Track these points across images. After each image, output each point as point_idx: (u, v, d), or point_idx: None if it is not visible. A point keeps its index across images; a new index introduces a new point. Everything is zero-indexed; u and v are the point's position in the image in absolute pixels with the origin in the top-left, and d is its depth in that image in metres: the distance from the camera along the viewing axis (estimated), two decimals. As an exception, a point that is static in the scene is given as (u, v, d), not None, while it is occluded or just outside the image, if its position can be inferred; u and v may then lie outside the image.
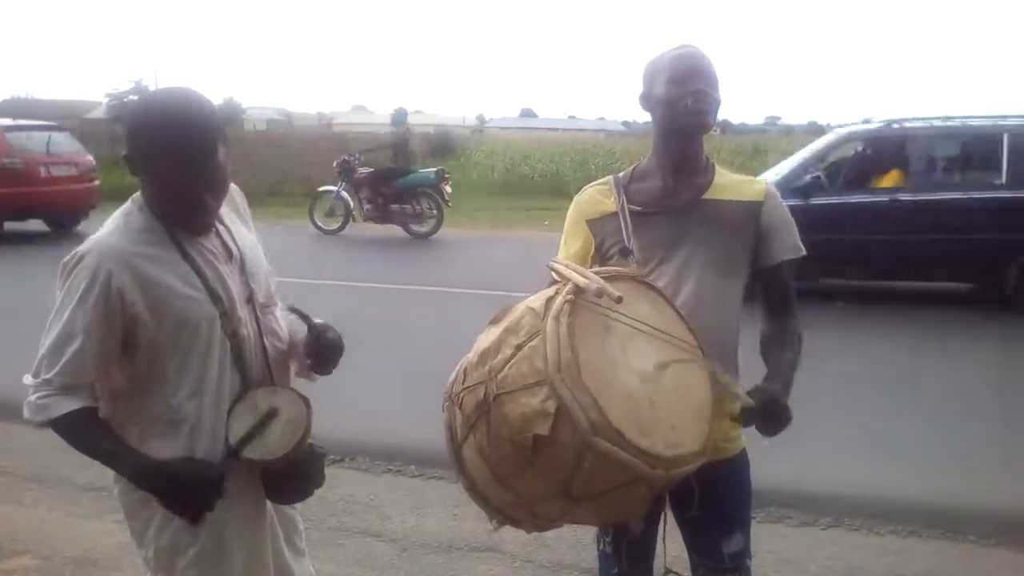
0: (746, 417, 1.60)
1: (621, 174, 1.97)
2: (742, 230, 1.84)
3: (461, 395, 1.55)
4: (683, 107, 1.78)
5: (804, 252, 1.88)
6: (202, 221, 1.64)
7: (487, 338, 1.58)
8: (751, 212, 1.85)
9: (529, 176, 21.66)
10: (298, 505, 1.86)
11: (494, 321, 1.62)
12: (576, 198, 1.98)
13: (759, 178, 2.07)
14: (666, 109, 1.81)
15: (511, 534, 3.21)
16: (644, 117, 1.95)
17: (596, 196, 1.93)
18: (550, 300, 1.53)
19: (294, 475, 1.69)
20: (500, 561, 3.24)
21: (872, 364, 5.96)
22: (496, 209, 16.14)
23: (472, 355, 1.59)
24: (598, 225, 1.89)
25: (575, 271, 1.59)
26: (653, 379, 1.51)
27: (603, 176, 2.01)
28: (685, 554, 1.94)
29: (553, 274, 1.68)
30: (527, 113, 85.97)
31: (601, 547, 2.00)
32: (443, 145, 29.63)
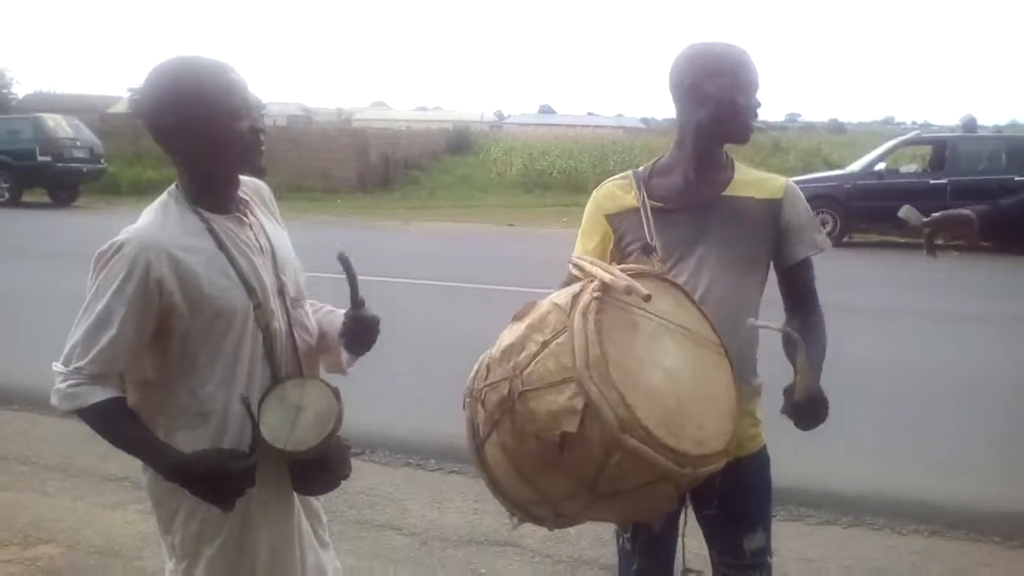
0: (794, 412, 1.61)
1: (641, 168, 1.94)
2: (762, 227, 1.83)
3: (484, 391, 1.54)
4: (740, 121, 1.78)
5: (824, 248, 1.86)
6: (259, 162, 1.67)
7: (510, 334, 1.56)
8: (771, 209, 1.83)
9: (548, 172, 21.64)
10: (319, 497, 1.87)
11: (517, 317, 1.60)
12: (595, 193, 1.95)
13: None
14: (717, 113, 1.77)
15: (531, 529, 3.20)
16: (663, 114, 1.94)
17: (615, 191, 1.91)
18: (576, 296, 1.51)
19: (322, 466, 1.69)
20: (520, 556, 3.24)
21: (894, 363, 5.91)
22: (514, 206, 16.09)
23: (494, 351, 1.58)
24: (617, 220, 1.88)
25: (600, 268, 1.58)
26: (679, 377, 1.50)
27: (622, 172, 1.99)
28: (705, 552, 1.93)
29: (574, 270, 1.66)
30: (546, 110, 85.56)
31: (621, 543, 2.00)
32: (461, 141, 29.68)
